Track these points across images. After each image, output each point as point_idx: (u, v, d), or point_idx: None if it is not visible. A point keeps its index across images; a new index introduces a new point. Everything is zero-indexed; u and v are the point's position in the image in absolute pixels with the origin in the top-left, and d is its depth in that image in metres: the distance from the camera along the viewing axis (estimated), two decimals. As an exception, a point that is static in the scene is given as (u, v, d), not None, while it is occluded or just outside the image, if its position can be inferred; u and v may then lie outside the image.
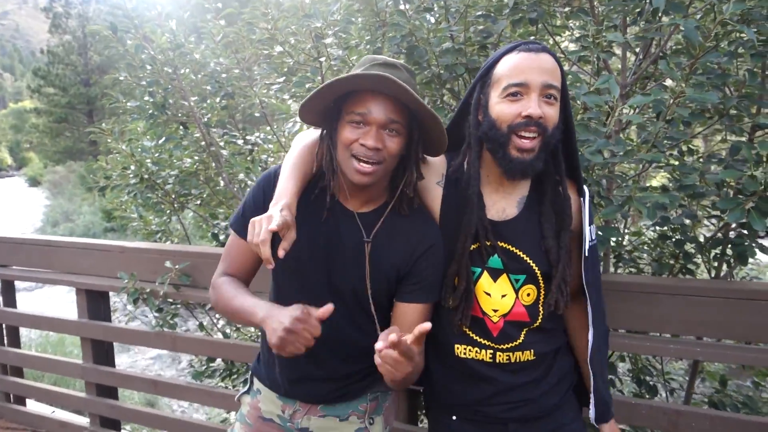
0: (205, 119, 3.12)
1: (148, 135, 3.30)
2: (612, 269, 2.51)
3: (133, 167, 2.77)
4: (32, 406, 3.43)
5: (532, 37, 2.09)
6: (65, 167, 29.01)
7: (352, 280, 1.35)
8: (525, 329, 1.40)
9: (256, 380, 1.56)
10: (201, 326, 3.30)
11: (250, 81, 3.01)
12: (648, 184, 2.47)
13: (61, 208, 22.64)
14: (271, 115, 3.01)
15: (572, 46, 2.60)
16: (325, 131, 1.32)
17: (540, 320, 1.40)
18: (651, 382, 2.46)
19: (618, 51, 2.10)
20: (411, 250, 1.35)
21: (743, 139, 2.01)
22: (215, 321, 3.43)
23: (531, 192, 1.40)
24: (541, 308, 1.39)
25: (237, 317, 1.35)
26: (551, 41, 2.30)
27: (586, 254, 1.36)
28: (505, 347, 1.39)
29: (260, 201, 1.37)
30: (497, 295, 1.37)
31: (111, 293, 2.90)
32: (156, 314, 2.64)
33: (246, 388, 1.60)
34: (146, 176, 2.76)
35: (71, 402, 3.12)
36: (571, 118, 1.36)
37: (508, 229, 1.36)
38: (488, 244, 1.35)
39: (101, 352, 2.95)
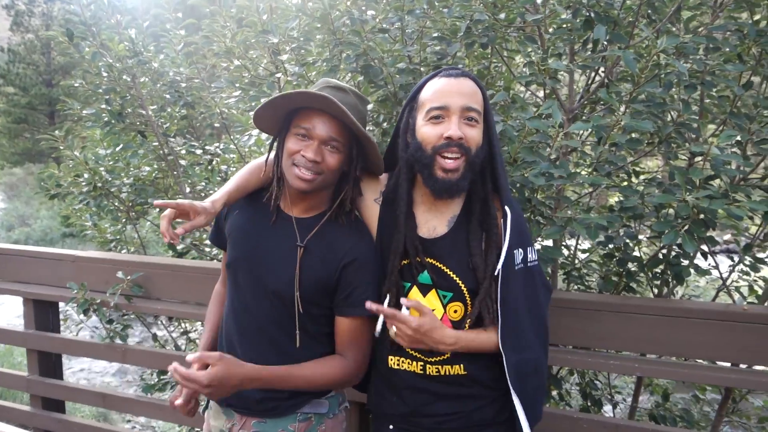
0: (164, 128, 3.09)
1: (105, 142, 3.25)
2: (563, 286, 2.58)
3: (86, 175, 2.72)
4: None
5: (484, 61, 2.16)
6: (23, 169, 28.05)
7: (282, 283, 1.42)
8: None
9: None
10: (154, 337, 3.24)
11: (210, 91, 3.00)
12: (609, 204, 2.55)
13: (17, 212, 21.83)
14: (231, 126, 3.01)
15: (526, 70, 2.68)
16: (275, 141, 1.47)
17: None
18: (596, 396, 2.54)
19: (567, 76, 2.19)
20: (338, 260, 1.42)
21: (682, 164, 2.11)
22: (170, 332, 3.37)
23: (462, 211, 1.44)
24: (466, 325, 1.42)
25: None
26: (503, 65, 2.37)
27: (497, 273, 1.37)
28: (434, 360, 1.43)
29: (221, 213, 1.56)
30: None
31: (61, 303, 2.84)
32: (107, 325, 2.58)
33: (205, 405, 1.71)
34: (99, 184, 2.71)
35: (14, 416, 3.02)
36: (496, 140, 1.41)
37: (436, 247, 1.41)
38: (418, 260, 1.40)
39: (48, 364, 2.87)
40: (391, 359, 1.47)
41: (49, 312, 2.88)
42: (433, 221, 1.44)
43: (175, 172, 3.11)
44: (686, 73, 1.59)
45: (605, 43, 1.92)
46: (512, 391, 1.39)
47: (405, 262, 1.42)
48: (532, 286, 1.43)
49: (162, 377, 2.94)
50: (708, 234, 1.87)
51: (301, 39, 2.03)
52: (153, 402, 2.61)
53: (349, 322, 1.45)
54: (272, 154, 1.47)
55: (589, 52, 1.90)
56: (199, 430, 2.75)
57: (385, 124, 2.14)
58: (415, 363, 1.45)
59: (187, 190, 3.04)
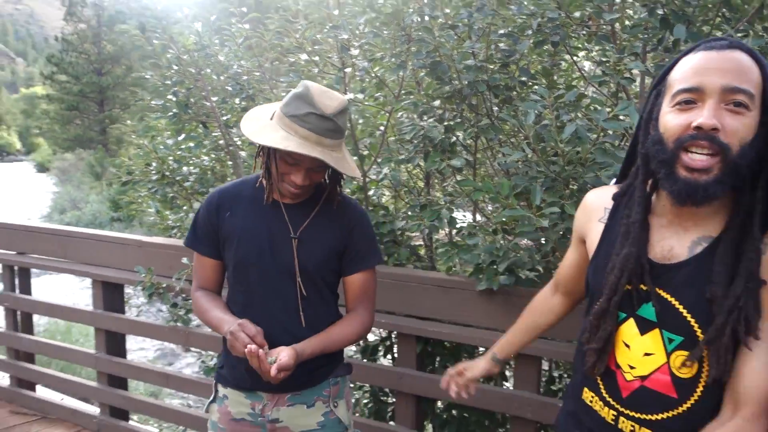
0: (225, 119, 3.18)
1: (168, 132, 3.36)
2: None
3: (155, 164, 2.83)
4: (41, 392, 3.50)
5: (549, 59, 2.15)
6: (74, 155, 29.15)
7: (287, 271, 1.54)
8: (667, 411, 1.07)
9: (220, 387, 1.66)
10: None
11: (271, 84, 3.07)
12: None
13: (69, 196, 22.78)
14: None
15: (588, 65, 2.65)
16: (265, 149, 1.52)
17: (691, 403, 1.06)
18: None
19: (639, 76, 2.15)
20: (341, 230, 1.57)
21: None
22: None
23: (718, 234, 1.06)
24: (699, 388, 1.05)
25: (211, 328, 1.58)
26: (569, 60, 2.35)
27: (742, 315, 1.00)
28: (632, 415, 1.11)
29: (206, 220, 1.60)
30: (638, 351, 1.10)
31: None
32: (171, 309, 2.70)
33: (212, 398, 1.70)
34: (167, 173, 2.82)
35: (79, 390, 3.19)
36: None
37: (670, 275, 1.07)
38: (642, 288, 1.10)
39: (114, 343, 3.01)
40: (586, 391, 1.22)
41: (116, 294, 3.02)
42: (671, 240, 1.10)
43: (231, 162, 3.20)
44: None
45: (684, 42, 1.88)
46: None
47: (627, 287, 1.11)
48: None
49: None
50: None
51: (370, 35, 2.06)
52: (209, 383, 2.72)
53: (359, 277, 1.60)
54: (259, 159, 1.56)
55: (664, 51, 1.87)
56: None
57: (449, 121, 2.15)
58: (607, 409, 1.16)
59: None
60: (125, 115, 30.52)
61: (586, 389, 1.21)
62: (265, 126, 1.45)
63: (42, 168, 36.82)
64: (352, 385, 2.60)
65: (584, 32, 2.25)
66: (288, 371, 1.39)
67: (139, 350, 9.00)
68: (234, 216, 1.56)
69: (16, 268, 3.37)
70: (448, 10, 1.98)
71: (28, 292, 3.41)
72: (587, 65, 2.64)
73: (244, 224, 1.55)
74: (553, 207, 1.66)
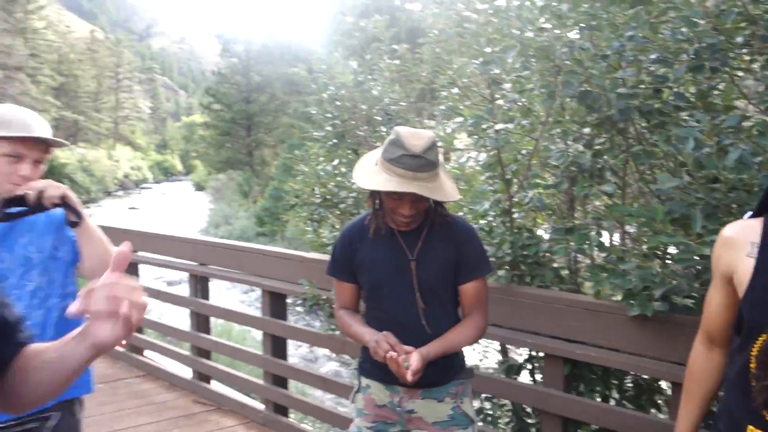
0: (376, 145, 3.48)
1: (322, 158, 3.75)
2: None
3: (317, 189, 3.20)
4: (215, 385, 4.02)
5: (705, 82, 2.10)
6: (226, 175, 32.43)
7: (408, 289, 1.80)
8: None
9: (363, 379, 1.94)
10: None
11: (417, 113, 3.31)
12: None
13: (222, 212, 25.41)
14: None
15: (750, 82, 2.52)
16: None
17: None
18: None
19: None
20: (451, 246, 1.79)
21: None
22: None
23: None
24: None
25: (354, 339, 1.90)
26: (727, 79, 2.27)
27: None
28: None
29: (341, 253, 1.90)
30: None
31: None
32: (328, 319, 3.00)
33: (356, 388, 1.97)
34: (328, 196, 3.17)
35: (250, 387, 3.63)
36: None
37: None
38: None
39: (278, 346, 3.40)
40: (752, 429, 1.21)
41: (281, 303, 3.41)
42: None
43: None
44: None
45: None
46: None
47: None
48: None
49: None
50: None
51: (518, 67, 2.19)
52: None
53: (473, 285, 1.83)
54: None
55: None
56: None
57: (598, 146, 2.20)
58: None
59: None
60: (269, 138, 33.48)
61: (751, 427, 1.20)
62: (371, 172, 1.74)
63: (199, 187, 41.35)
64: (494, 401, 2.70)
65: (745, 51, 2.17)
66: (419, 374, 1.65)
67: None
68: (362, 248, 1.87)
69: (198, 276, 3.95)
70: (598, 42, 2.05)
71: (207, 298, 3.96)
72: (749, 82, 2.52)
73: (371, 254, 1.85)
74: (715, 235, 1.64)
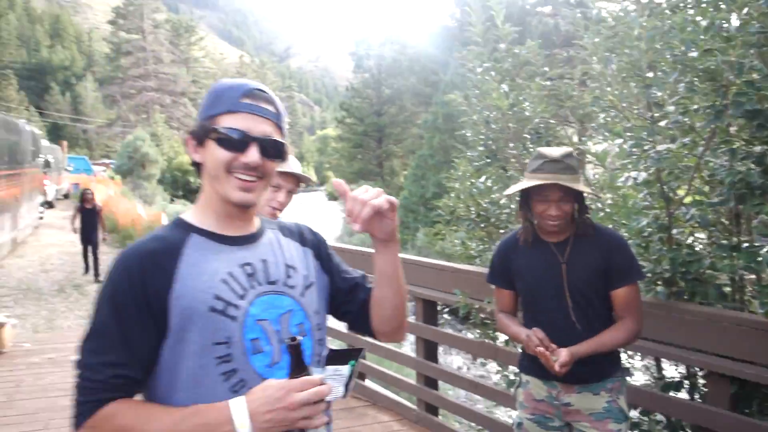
0: (524, 163, 3.63)
1: (469, 174, 3.96)
2: None
3: (471, 205, 3.43)
4: (368, 383, 4.39)
5: None
6: (357, 186, 33.88)
7: (559, 292, 1.97)
8: None
9: (523, 375, 2.14)
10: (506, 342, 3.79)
11: (566, 130, 3.41)
12: None
13: (355, 221, 26.57)
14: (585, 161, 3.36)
15: None
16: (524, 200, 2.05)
17: None
18: None
19: None
20: (601, 253, 1.95)
21: None
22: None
23: None
24: None
25: (512, 338, 2.17)
26: None
27: None
28: None
29: (499, 264, 2.16)
30: None
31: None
32: (482, 327, 3.19)
33: (517, 384, 2.19)
34: (482, 212, 3.38)
35: (404, 387, 3.93)
36: None
37: None
38: None
39: (430, 350, 3.66)
40: None
41: (433, 310, 3.68)
42: None
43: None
44: None
45: None
46: None
47: None
48: None
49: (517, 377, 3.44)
50: None
51: (681, 90, 2.23)
52: (510, 395, 3.11)
53: (624, 291, 1.95)
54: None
55: None
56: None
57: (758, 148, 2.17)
58: None
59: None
60: (398, 149, 34.54)
61: None
62: (518, 185, 2.02)
63: (332, 197, 43.70)
64: (650, 416, 2.71)
65: None
66: (567, 366, 1.83)
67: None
68: (517, 257, 2.10)
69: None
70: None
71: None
72: None
73: (525, 261, 2.07)
74: None
